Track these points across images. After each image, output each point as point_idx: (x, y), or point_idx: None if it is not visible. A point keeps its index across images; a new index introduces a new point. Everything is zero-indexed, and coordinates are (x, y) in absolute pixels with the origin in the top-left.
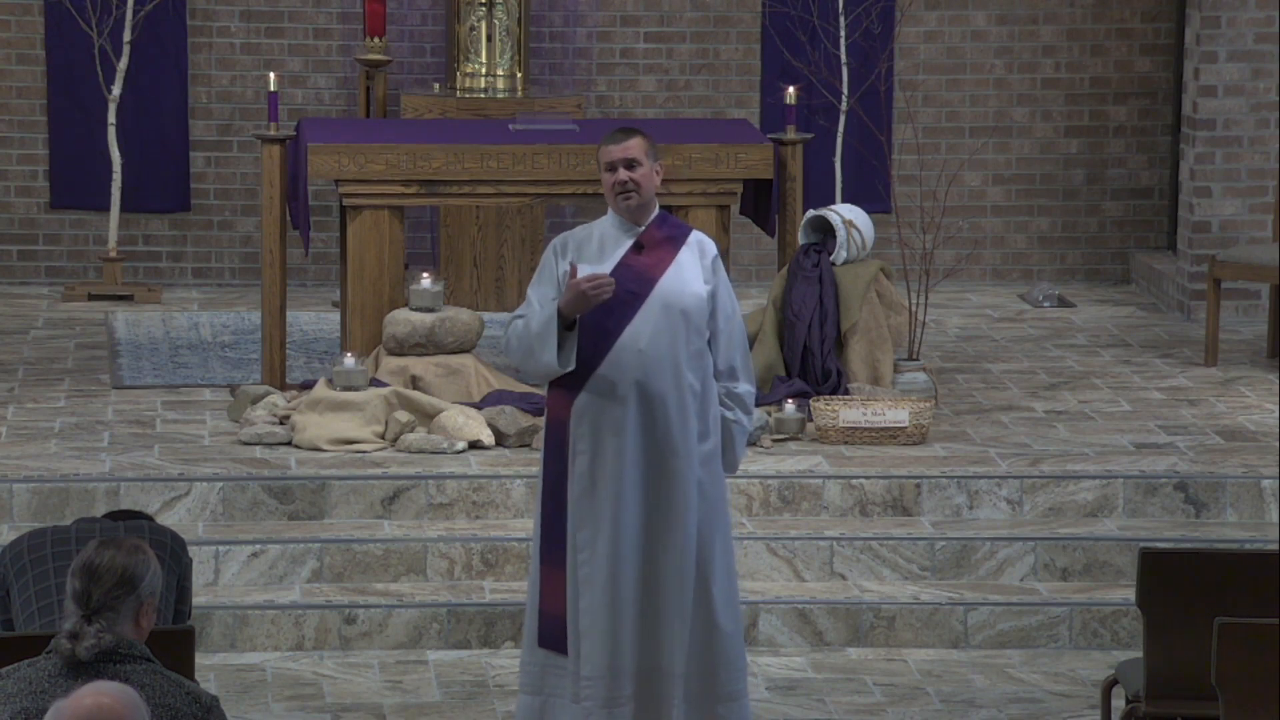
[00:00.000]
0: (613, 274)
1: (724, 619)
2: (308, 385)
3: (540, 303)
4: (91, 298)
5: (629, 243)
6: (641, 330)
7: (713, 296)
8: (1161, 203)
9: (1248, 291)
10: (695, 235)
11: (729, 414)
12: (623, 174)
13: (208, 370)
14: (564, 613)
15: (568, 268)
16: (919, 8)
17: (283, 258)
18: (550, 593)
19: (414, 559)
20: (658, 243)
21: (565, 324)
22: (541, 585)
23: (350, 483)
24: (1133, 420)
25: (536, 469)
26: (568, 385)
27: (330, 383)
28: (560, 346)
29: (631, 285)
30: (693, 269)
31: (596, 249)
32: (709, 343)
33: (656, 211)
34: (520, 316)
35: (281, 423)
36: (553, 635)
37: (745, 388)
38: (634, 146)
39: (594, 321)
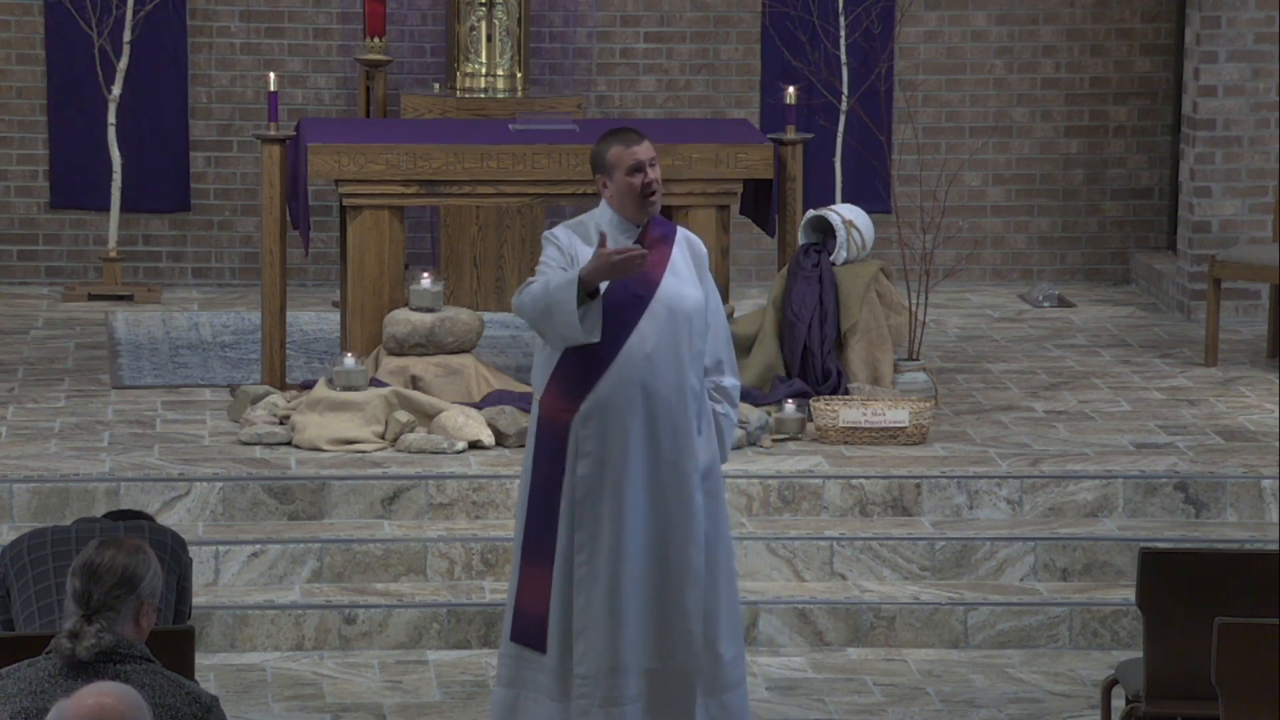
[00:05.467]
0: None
1: (726, 609)
2: (308, 385)
3: (559, 268)
4: (91, 298)
5: (629, 242)
6: (647, 333)
7: (706, 295)
8: (1161, 203)
9: (1248, 291)
10: (682, 233)
11: (718, 407)
12: (651, 174)
13: (208, 370)
14: (544, 612)
15: (596, 236)
16: (919, 8)
17: (283, 258)
18: (530, 591)
19: (414, 559)
20: (655, 242)
21: (586, 291)
22: (520, 583)
23: (350, 483)
24: (1133, 420)
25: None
26: (571, 388)
27: (330, 383)
28: (584, 316)
29: (636, 288)
30: (686, 269)
31: (596, 244)
32: None
33: None
34: (534, 281)
35: (281, 423)
36: (528, 632)
37: (731, 381)
38: (651, 146)
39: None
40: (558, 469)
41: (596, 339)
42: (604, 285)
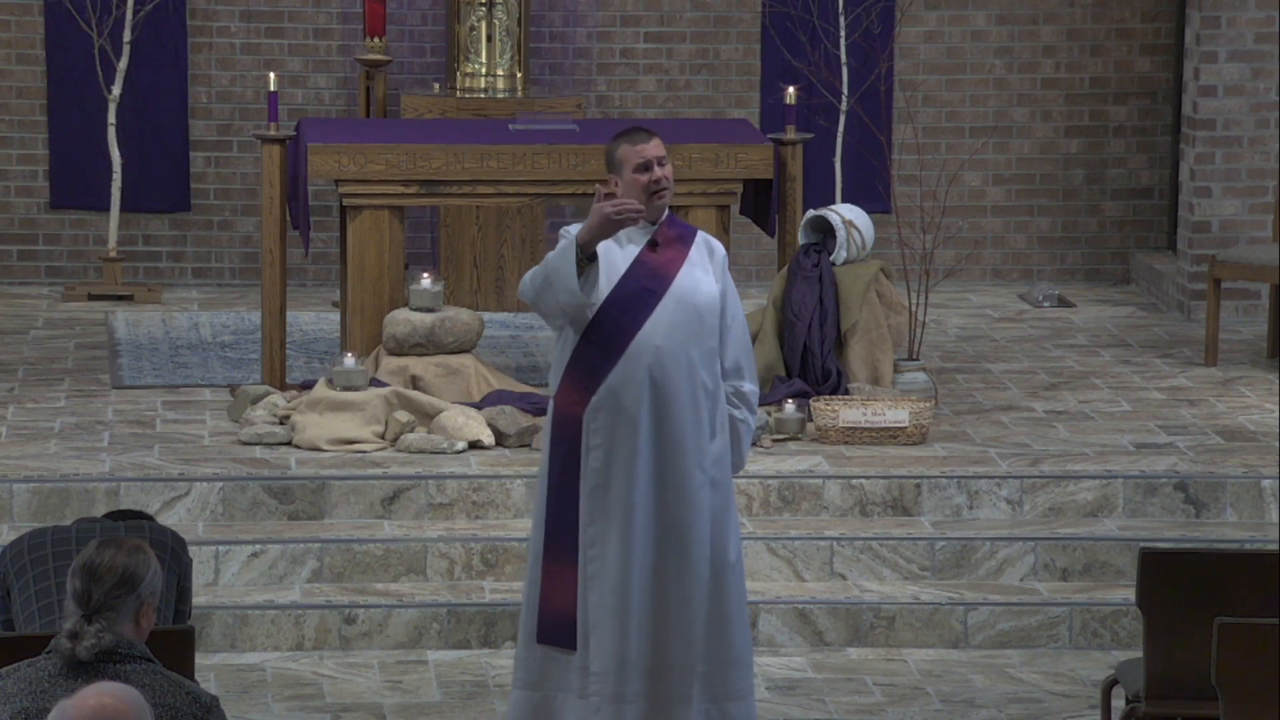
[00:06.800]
0: (629, 270)
1: (736, 616)
2: (308, 385)
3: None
4: (91, 298)
5: (643, 240)
6: (658, 327)
7: (722, 295)
8: (1161, 203)
9: (1248, 291)
10: (702, 235)
11: (736, 412)
12: (658, 171)
13: (208, 370)
14: (571, 608)
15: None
16: (919, 8)
17: (283, 258)
18: (555, 589)
19: (414, 559)
20: (670, 241)
21: (585, 255)
22: (543, 582)
23: (350, 483)
24: (1133, 420)
25: (536, 469)
26: (583, 381)
27: (330, 383)
28: (583, 281)
29: (647, 282)
30: (704, 268)
31: (610, 243)
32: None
33: (666, 211)
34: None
35: (281, 423)
36: (557, 631)
37: (750, 387)
38: (661, 145)
39: (611, 318)
40: (573, 464)
41: (594, 302)
42: (609, 275)
